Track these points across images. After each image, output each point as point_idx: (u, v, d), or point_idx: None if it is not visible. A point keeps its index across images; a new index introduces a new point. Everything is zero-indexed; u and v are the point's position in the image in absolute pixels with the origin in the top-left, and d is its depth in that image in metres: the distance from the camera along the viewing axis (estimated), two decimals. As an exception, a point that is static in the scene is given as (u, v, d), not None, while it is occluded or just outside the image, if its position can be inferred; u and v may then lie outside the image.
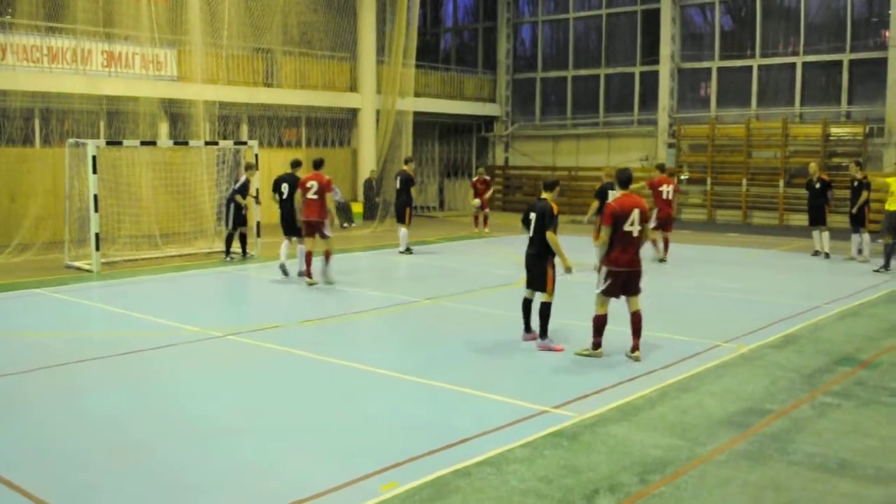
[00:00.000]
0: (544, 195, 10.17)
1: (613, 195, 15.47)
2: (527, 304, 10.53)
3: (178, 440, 7.11)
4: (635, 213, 9.44)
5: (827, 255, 18.24)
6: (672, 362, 9.53)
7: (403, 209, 18.85)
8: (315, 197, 14.39)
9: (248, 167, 17.67)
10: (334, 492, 5.94)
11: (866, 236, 17.86)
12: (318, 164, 14.76)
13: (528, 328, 10.59)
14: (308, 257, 14.67)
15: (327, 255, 14.61)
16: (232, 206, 17.17)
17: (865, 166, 21.00)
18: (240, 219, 17.30)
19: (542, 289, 10.12)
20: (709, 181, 26.93)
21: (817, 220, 18.52)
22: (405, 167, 19.42)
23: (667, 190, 17.44)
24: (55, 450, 6.88)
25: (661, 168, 18.95)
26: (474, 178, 24.59)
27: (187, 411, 7.91)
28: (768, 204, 25.98)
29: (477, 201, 23.80)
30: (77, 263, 16.71)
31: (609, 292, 9.58)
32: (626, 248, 9.47)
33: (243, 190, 17.22)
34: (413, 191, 19.03)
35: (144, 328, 11.47)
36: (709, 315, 12.28)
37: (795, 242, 20.93)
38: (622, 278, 9.51)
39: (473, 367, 9.47)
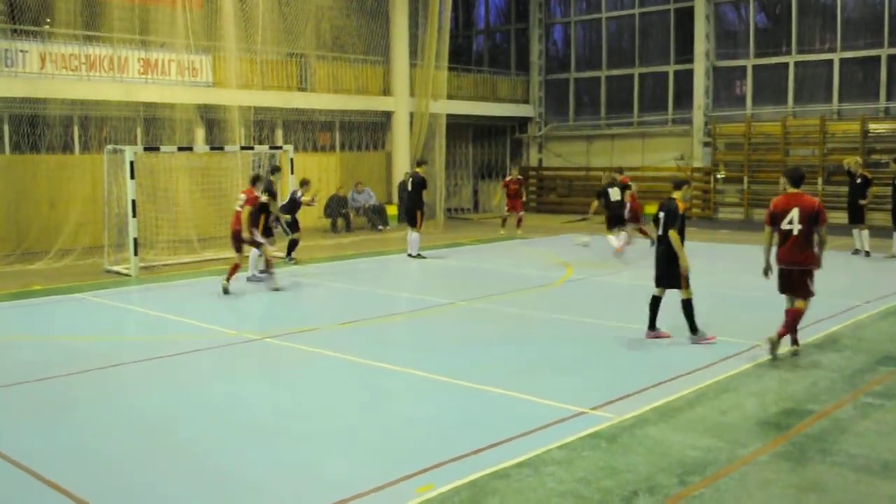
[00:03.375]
0: (673, 194, 10.34)
1: (614, 192, 17.89)
2: (655, 302, 10.50)
3: (215, 442, 7.17)
4: (794, 213, 9.52)
5: (867, 254, 17.96)
6: (711, 362, 9.42)
7: (415, 213, 18.55)
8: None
9: (304, 183, 17.80)
10: (370, 494, 5.95)
11: (909, 233, 17.58)
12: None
13: (652, 326, 10.58)
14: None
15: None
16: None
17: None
18: (295, 226, 17.56)
19: (679, 286, 10.17)
20: (745, 180, 26.65)
21: (856, 218, 18.26)
22: (417, 169, 19.16)
23: (634, 186, 19.14)
24: (97, 452, 6.97)
25: (619, 171, 19.82)
26: (507, 178, 24.21)
27: (225, 413, 7.97)
28: (806, 202, 25.60)
29: (505, 212, 23.68)
30: (116, 268, 16.92)
31: (780, 289, 9.75)
32: (786, 245, 9.57)
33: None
34: (425, 194, 18.80)
35: (182, 331, 11.58)
36: (747, 315, 12.13)
37: (835, 241, 20.51)
38: (786, 275, 9.64)
39: (509, 369, 9.43)
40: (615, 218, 17.95)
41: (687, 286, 10.14)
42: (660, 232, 10.25)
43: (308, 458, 6.78)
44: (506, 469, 6.31)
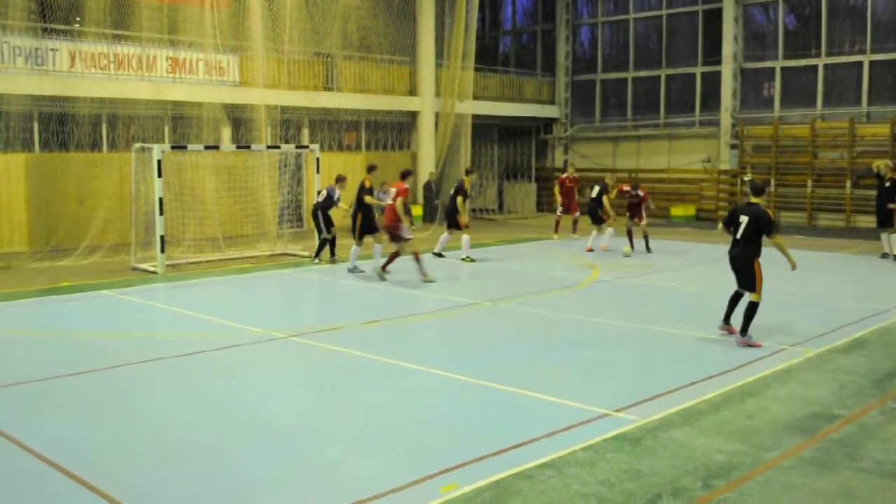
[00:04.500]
0: (755, 200, 10.39)
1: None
2: (735, 297, 10.59)
3: (239, 440, 7.20)
4: None
5: (896, 258, 17.78)
6: (737, 366, 9.37)
7: (453, 216, 18.61)
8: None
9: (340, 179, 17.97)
10: (395, 493, 5.96)
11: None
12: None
13: (727, 320, 10.65)
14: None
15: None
16: (320, 213, 17.61)
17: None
18: (329, 224, 17.77)
19: (752, 289, 10.23)
20: (772, 182, 26.43)
21: (885, 221, 18.06)
22: (465, 178, 19.03)
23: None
24: (119, 448, 7.02)
25: (635, 185, 20.40)
26: (563, 175, 22.93)
27: (249, 412, 8.00)
28: (835, 206, 25.42)
29: (559, 213, 22.61)
30: (143, 265, 17.05)
31: None
32: None
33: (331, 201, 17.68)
34: (459, 200, 18.63)
35: (208, 329, 11.65)
36: (774, 318, 12.04)
37: (863, 245, 20.42)
38: None
39: (533, 369, 9.42)
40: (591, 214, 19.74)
41: (760, 291, 10.19)
42: (737, 236, 10.28)
43: (331, 457, 6.80)
44: (529, 470, 6.30)
